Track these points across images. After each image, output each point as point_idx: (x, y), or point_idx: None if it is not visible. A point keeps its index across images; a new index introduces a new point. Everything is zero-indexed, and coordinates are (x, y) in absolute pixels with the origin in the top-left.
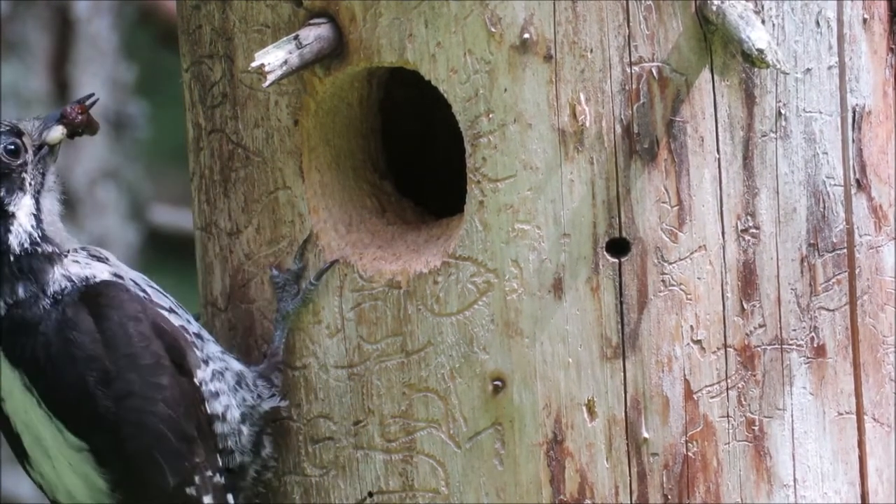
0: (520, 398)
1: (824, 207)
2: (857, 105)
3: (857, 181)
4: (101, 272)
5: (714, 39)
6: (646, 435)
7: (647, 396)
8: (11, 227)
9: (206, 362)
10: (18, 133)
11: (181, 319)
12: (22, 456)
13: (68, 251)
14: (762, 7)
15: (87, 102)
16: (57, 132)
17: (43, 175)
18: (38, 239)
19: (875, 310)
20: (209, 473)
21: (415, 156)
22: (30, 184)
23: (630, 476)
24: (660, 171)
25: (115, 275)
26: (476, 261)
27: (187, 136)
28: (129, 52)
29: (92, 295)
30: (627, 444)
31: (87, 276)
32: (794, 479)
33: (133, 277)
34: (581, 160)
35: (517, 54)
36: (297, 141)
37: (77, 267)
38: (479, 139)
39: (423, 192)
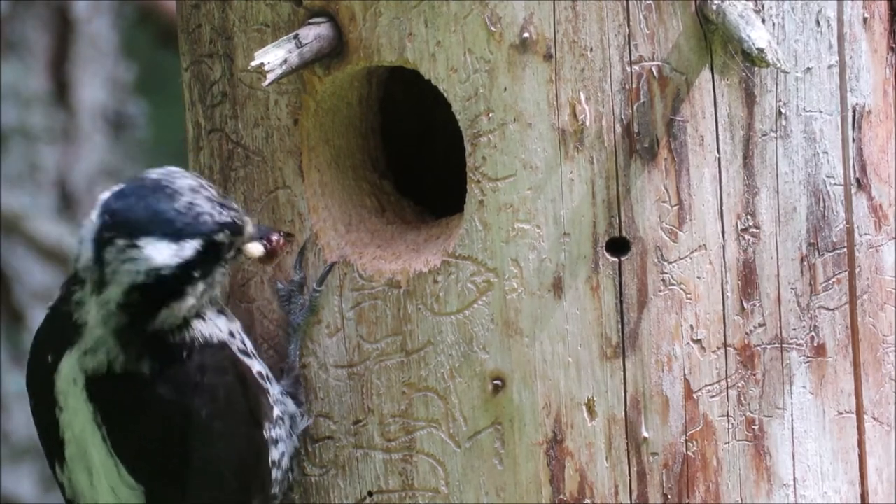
0: (519, 397)
1: (824, 207)
2: (857, 104)
3: (858, 180)
4: (220, 332)
5: (714, 38)
6: (646, 434)
7: (647, 396)
8: (172, 305)
9: (271, 408)
10: (241, 232)
11: (257, 364)
12: (55, 457)
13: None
14: (762, 6)
15: (290, 240)
16: (256, 250)
17: (224, 275)
18: (179, 329)
19: (875, 309)
20: None
21: (415, 155)
22: (216, 278)
23: (630, 475)
24: (660, 171)
25: (230, 332)
26: (476, 260)
27: (187, 135)
28: (129, 51)
29: (198, 352)
30: (627, 444)
31: (208, 336)
32: (794, 479)
33: (235, 330)
34: (581, 159)
35: (517, 53)
36: (297, 140)
37: (202, 325)
38: (478, 138)
39: (423, 191)
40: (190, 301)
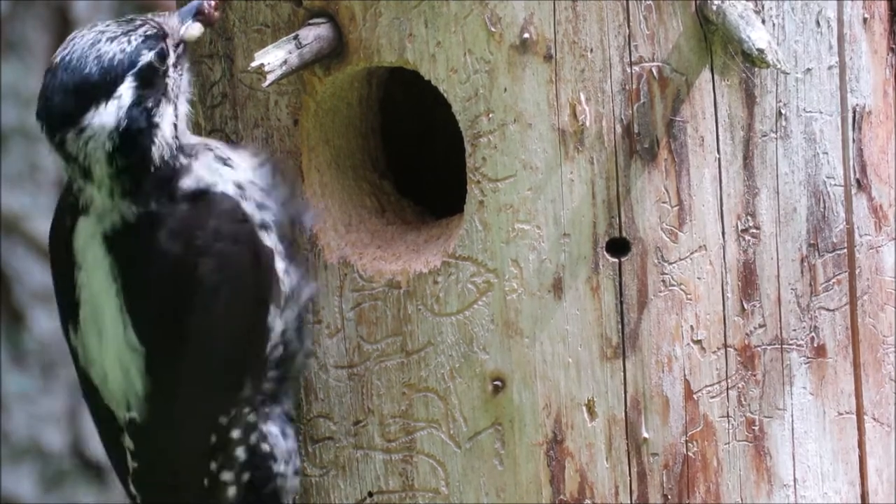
0: (520, 398)
1: (824, 207)
2: (857, 105)
3: (858, 181)
4: (224, 182)
5: (714, 39)
6: (646, 435)
7: (647, 396)
8: (155, 139)
9: (278, 295)
10: (164, 35)
11: (272, 239)
12: (70, 320)
13: (197, 152)
14: (762, 7)
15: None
16: (196, 30)
17: (181, 77)
18: (176, 150)
19: (875, 310)
20: (246, 409)
21: (415, 156)
22: (171, 89)
23: (630, 476)
24: (660, 171)
25: (237, 184)
26: (476, 261)
27: None
28: None
29: (207, 203)
30: (627, 444)
31: (210, 183)
32: (794, 479)
33: (249, 188)
34: (581, 160)
35: (517, 54)
36: (297, 141)
37: (205, 171)
38: (478, 139)
39: (423, 192)
40: (167, 122)
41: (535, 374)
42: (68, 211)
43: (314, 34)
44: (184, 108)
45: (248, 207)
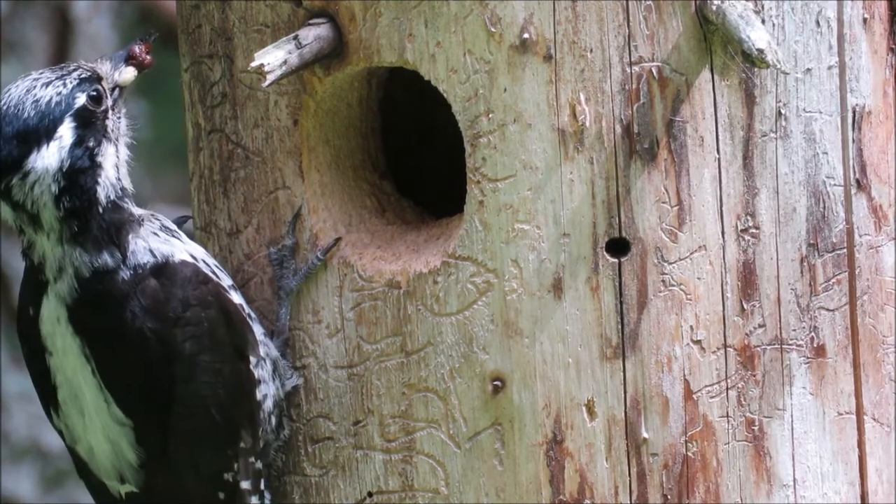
0: (519, 398)
1: (824, 207)
2: (857, 105)
3: (857, 181)
4: (180, 251)
5: (714, 39)
6: (645, 435)
7: (647, 396)
8: (99, 179)
9: (256, 344)
10: (98, 78)
11: (239, 298)
12: (50, 404)
13: (143, 218)
14: (762, 7)
15: (151, 40)
16: (129, 74)
17: (119, 119)
18: (121, 192)
19: (875, 310)
20: (251, 459)
21: (415, 156)
22: (111, 131)
23: (630, 476)
24: (660, 171)
25: (191, 254)
26: (476, 261)
27: (187, 136)
28: None
29: (167, 273)
30: (627, 444)
31: (166, 254)
32: (794, 480)
33: (202, 257)
34: (581, 160)
35: (517, 54)
36: (297, 141)
37: (157, 241)
38: (478, 139)
39: (423, 192)
40: (109, 162)
41: (535, 375)
42: (30, 298)
43: (314, 34)
44: (124, 151)
45: (207, 270)
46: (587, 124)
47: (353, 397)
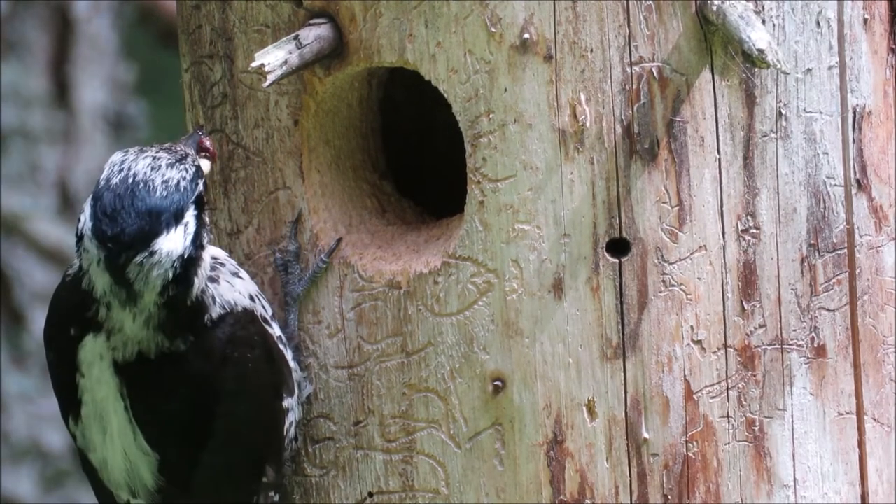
0: (520, 398)
1: (825, 207)
2: (857, 105)
3: (858, 181)
4: (243, 298)
5: (714, 39)
6: (646, 435)
7: (648, 397)
8: (199, 271)
9: (289, 379)
10: (202, 169)
11: (276, 328)
12: (70, 411)
13: (218, 276)
14: (762, 7)
15: (207, 132)
16: (207, 165)
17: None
18: (207, 283)
19: (875, 310)
20: (271, 493)
21: (415, 156)
22: (207, 221)
23: (630, 476)
24: (660, 171)
25: (249, 295)
26: (476, 261)
27: None
28: (129, 52)
29: (227, 322)
30: (627, 445)
31: (232, 302)
32: (795, 480)
33: (255, 293)
34: (581, 160)
35: (517, 54)
36: (297, 141)
37: (227, 289)
38: (479, 139)
39: (423, 192)
40: (204, 260)
41: (536, 375)
42: (74, 319)
43: (314, 34)
44: (207, 234)
45: (259, 310)
46: (587, 124)
47: (353, 397)
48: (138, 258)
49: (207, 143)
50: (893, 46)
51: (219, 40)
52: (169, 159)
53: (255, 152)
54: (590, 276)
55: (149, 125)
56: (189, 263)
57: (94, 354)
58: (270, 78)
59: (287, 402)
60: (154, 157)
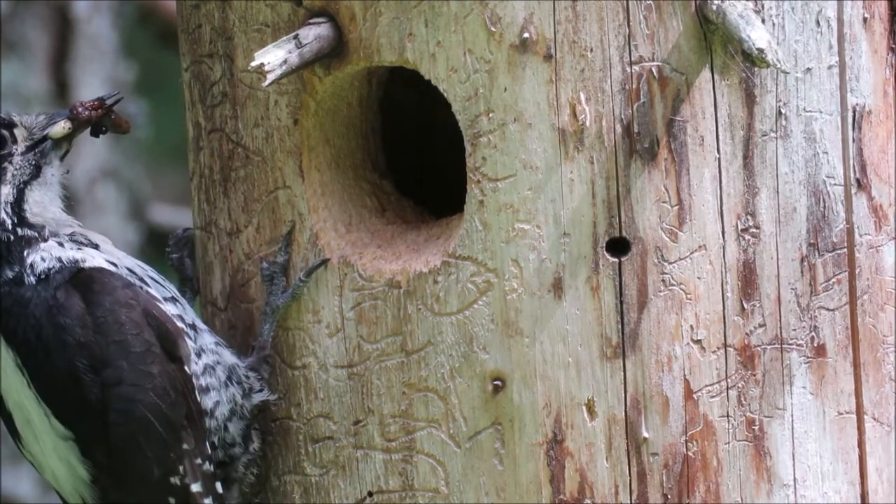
0: (520, 398)
1: (824, 207)
2: (857, 104)
3: (858, 181)
4: (93, 257)
5: (714, 39)
6: (646, 434)
7: (647, 396)
8: None
9: (199, 354)
10: (9, 125)
11: (178, 309)
12: (14, 435)
13: (54, 234)
14: (762, 6)
15: (108, 101)
16: (59, 126)
17: (38, 168)
18: (11, 225)
19: (875, 309)
20: (198, 461)
21: (415, 156)
22: (13, 174)
23: (630, 476)
24: (660, 171)
25: (109, 261)
26: (476, 260)
27: (187, 135)
28: (129, 51)
29: (83, 280)
30: (627, 444)
31: (76, 259)
32: (794, 479)
33: (129, 266)
34: (581, 160)
35: (517, 54)
36: (297, 140)
37: (61, 250)
38: (479, 139)
39: (423, 191)
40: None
41: (535, 374)
42: None
43: (314, 34)
44: (40, 196)
45: (131, 278)
46: (587, 124)
47: (353, 397)
48: None
49: (79, 105)
50: (893, 46)
51: (219, 39)
52: None
53: (254, 151)
54: (589, 276)
55: (149, 125)
56: None
57: None
58: (270, 77)
59: (203, 379)
60: None
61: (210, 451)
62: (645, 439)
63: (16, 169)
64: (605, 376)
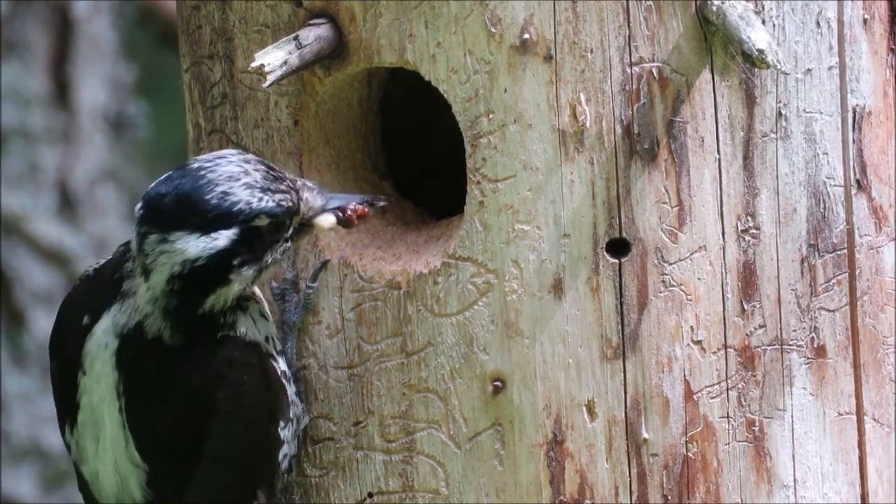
0: (520, 399)
1: (824, 208)
2: (857, 105)
3: (858, 181)
4: (257, 334)
5: (714, 40)
6: (646, 435)
7: (647, 397)
8: (217, 291)
9: (288, 408)
10: (295, 211)
11: (282, 363)
12: (67, 417)
13: (246, 307)
14: (762, 7)
15: (376, 206)
16: (327, 223)
17: (284, 253)
18: (228, 308)
19: (875, 310)
20: None
21: (415, 156)
22: (265, 259)
23: (630, 476)
24: (660, 172)
25: (266, 337)
26: (476, 261)
27: (187, 136)
28: (129, 52)
29: (230, 345)
30: (627, 445)
31: (245, 332)
32: (794, 480)
33: (270, 335)
34: (581, 160)
35: (517, 54)
36: (297, 141)
37: (248, 323)
38: (479, 139)
39: (423, 192)
40: (236, 287)
41: (536, 375)
42: (90, 307)
43: (314, 35)
44: (268, 274)
45: (268, 347)
46: (587, 125)
47: (353, 398)
48: (153, 237)
49: (351, 207)
50: (893, 46)
51: (219, 40)
52: (252, 181)
53: (255, 152)
54: (590, 277)
55: (149, 125)
56: (203, 274)
57: (100, 343)
58: (270, 78)
59: (284, 433)
60: (245, 172)
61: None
62: (645, 440)
63: (273, 256)
64: (605, 377)
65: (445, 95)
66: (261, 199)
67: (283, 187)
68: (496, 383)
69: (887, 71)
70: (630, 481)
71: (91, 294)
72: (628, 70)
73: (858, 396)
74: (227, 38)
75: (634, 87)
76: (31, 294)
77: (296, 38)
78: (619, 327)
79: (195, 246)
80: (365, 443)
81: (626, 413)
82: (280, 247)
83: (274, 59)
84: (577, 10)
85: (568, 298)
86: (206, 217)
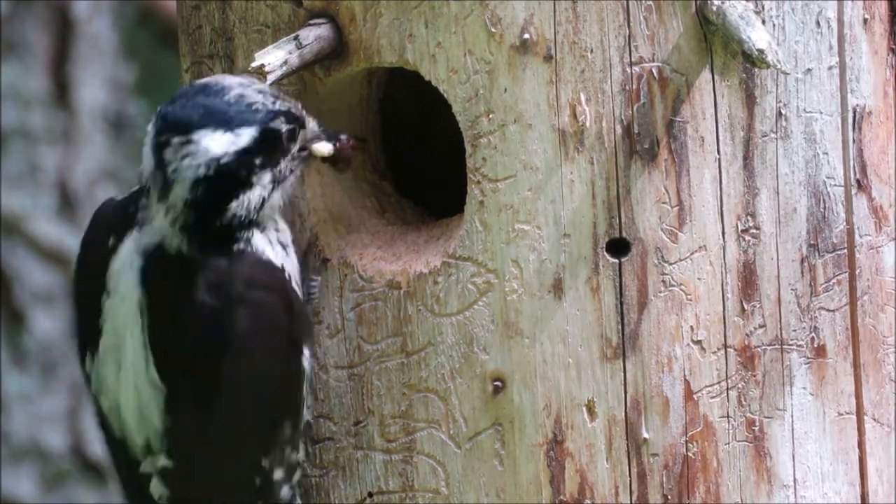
0: (520, 398)
1: (825, 208)
2: (857, 105)
3: (858, 181)
4: (275, 257)
5: (714, 40)
6: (646, 435)
7: (647, 397)
8: (241, 197)
9: (311, 345)
10: (303, 124)
11: (307, 308)
12: (88, 346)
13: (265, 229)
14: (762, 7)
15: (364, 143)
16: (325, 148)
17: (290, 172)
18: (248, 223)
19: (875, 310)
20: (287, 450)
21: (415, 156)
22: (280, 170)
23: (630, 476)
24: (660, 172)
25: (282, 265)
26: (476, 261)
27: None
28: (129, 52)
29: (242, 259)
30: (627, 445)
31: (261, 251)
32: (794, 480)
33: (288, 267)
34: (581, 160)
35: (517, 54)
36: None
37: (264, 242)
38: (479, 139)
39: (423, 192)
40: (258, 192)
41: (536, 375)
42: (114, 229)
43: (314, 34)
44: (277, 197)
45: (284, 274)
46: (587, 124)
47: (353, 397)
48: (176, 140)
49: (343, 138)
50: (893, 46)
51: (219, 40)
52: (261, 88)
53: None
54: (590, 276)
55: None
56: (227, 177)
57: (125, 261)
58: (270, 78)
59: (307, 363)
60: (250, 80)
61: (300, 447)
62: (645, 440)
63: (284, 169)
64: (605, 377)
65: (445, 95)
66: (275, 102)
67: (290, 100)
68: (496, 383)
69: (887, 71)
70: (630, 481)
71: (116, 218)
72: (628, 70)
73: (858, 396)
74: (227, 38)
75: (634, 86)
76: (31, 294)
77: (296, 37)
78: (619, 327)
79: (220, 142)
80: (365, 442)
81: (626, 413)
82: (290, 159)
83: (274, 58)
84: (577, 9)
85: (568, 298)
86: (227, 115)
